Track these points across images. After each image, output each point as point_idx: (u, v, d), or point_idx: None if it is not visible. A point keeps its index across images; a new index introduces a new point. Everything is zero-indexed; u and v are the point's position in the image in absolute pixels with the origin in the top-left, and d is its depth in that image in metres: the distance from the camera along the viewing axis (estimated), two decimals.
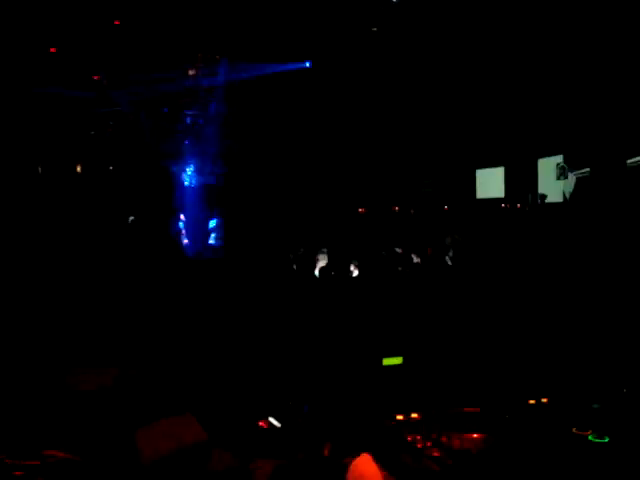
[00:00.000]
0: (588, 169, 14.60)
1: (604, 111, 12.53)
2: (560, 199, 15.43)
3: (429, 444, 3.59)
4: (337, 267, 8.39)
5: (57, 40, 13.14)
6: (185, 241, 14.33)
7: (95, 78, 14.02)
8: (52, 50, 13.59)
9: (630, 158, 13.23)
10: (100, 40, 13.10)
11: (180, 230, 14.36)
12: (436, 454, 3.48)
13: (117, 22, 12.76)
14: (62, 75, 13.65)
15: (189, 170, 15.27)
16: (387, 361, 4.98)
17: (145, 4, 12.31)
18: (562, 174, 15.19)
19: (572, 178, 14.94)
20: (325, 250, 11.02)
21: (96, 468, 3.78)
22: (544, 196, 15.01)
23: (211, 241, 14.31)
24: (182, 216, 14.54)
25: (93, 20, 12.50)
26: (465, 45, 12.91)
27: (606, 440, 3.66)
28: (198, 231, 14.90)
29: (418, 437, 3.67)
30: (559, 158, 15.58)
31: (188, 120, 14.81)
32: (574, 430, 3.77)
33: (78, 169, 16.30)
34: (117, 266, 8.70)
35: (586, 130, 13.62)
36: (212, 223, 14.58)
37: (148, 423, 3.86)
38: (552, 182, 15.72)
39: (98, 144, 15.32)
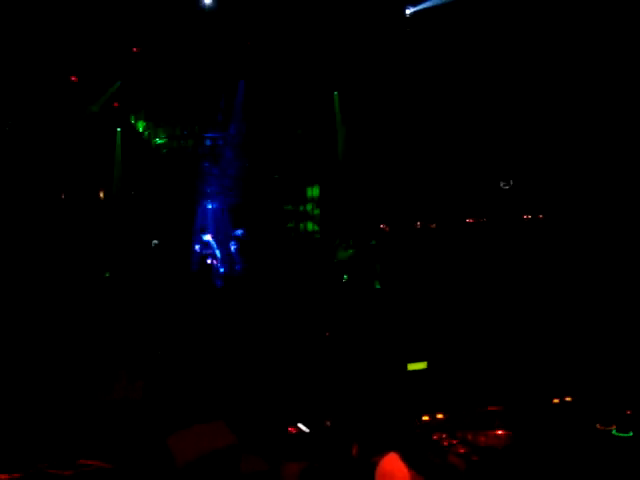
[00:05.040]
0: None
1: None
2: None
3: (455, 442, 3.65)
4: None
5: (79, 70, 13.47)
6: (213, 262, 14.37)
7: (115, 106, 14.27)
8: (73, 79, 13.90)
9: None
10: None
11: (209, 251, 14.36)
12: (462, 450, 3.53)
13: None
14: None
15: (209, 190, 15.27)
16: (411, 366, 5.04)
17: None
18: None
19: None
20: None
21: (130, 475, 3.89)
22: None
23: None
24: (209, 236, 14.51)
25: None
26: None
27: (630, 434, 3.69)
28: (224, 253, 14.89)
29: (444, 436, 3.73)
30: None
31: (208, 142, 14.91)
32: (598, 426, 3.80)
33: (101, 195, 16.51)
34: (144, 287, 8.90)
35: None
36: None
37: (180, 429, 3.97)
38: None
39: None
